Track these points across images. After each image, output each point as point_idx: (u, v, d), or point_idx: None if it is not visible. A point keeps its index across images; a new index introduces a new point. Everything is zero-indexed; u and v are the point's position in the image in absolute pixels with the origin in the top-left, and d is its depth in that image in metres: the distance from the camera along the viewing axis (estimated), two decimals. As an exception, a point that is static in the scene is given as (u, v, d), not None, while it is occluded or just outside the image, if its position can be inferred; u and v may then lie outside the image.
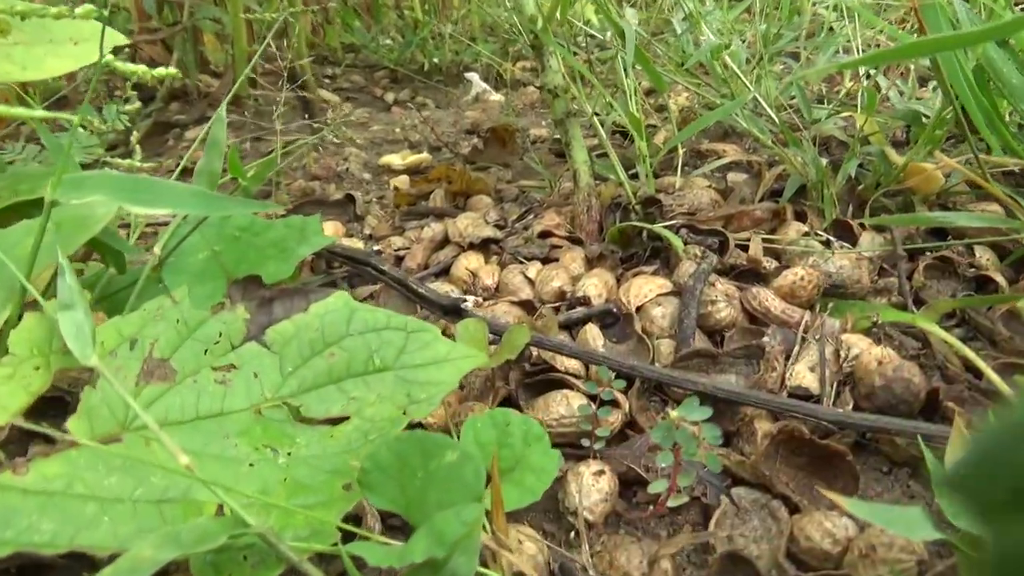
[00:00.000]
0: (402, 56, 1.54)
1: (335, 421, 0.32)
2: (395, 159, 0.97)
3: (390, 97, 1.50)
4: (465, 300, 0.51)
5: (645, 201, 0.64)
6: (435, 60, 1.55)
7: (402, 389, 0.34)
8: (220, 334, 0.33)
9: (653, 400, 0.46)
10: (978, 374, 0.47)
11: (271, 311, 0.34)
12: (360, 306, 0.35)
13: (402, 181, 0.91)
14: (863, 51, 0.89)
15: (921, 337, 0.51)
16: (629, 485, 0.42)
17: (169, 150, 1.15)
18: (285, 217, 0.56)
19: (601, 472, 0.39)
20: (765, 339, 0.47)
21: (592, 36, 0.85)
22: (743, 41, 0.91)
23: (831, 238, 0.59)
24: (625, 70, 0.69)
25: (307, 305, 0.34)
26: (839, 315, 0.51)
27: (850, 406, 0.43)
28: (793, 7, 1.02)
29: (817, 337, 0.48)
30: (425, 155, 0.95)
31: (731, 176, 0.78)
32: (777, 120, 0.69)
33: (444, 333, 0.40)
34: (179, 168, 0.77)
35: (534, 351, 0.49)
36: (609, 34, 0.75)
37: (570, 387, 0.46)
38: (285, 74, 0.98)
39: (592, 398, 0.44)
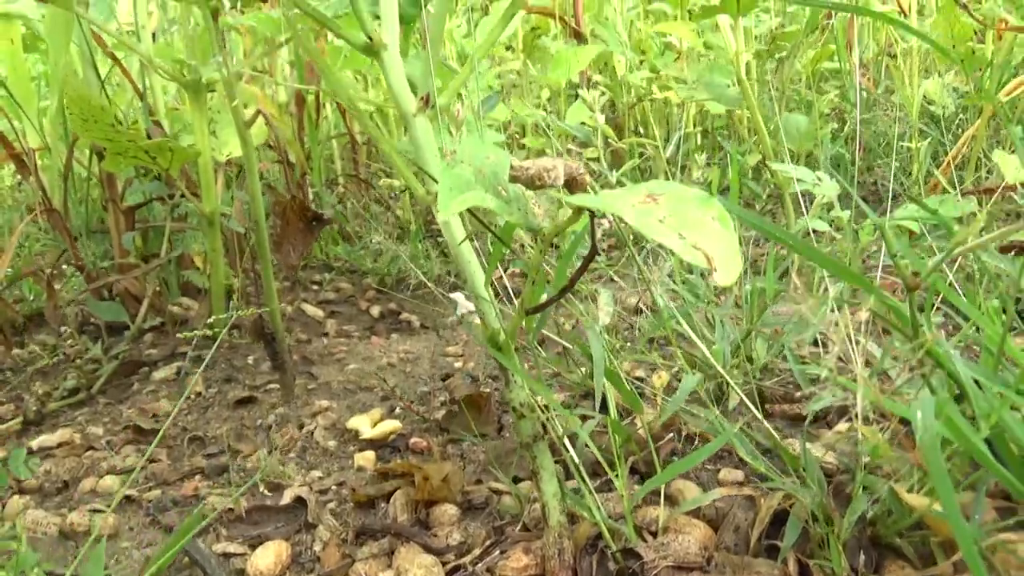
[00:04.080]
0: (390, 269, 1.52)
1: None
2: (364, 424, 0.90)
3: (375, 311, 1.47)
4: None
5: (624, 552, 0.56)
6: (423, 271, 1.53)
7: None
8: None
9: None
10: None
11: None
12: None
13: (367, 459, 0.83)
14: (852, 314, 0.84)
15: None
16: None
17: (133, 395, 1.09)
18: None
19: None
20: None
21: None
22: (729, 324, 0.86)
23: (844, 618, 0.50)
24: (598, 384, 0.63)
25: None
26: None
27: None
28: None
29: None
30: (396, 424, 0.88)
31: (724, 474, 0.70)
32: (768, 435, 0.62)
33: None
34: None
35: None
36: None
37: None
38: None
39: None
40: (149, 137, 1.24)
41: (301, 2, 0.63)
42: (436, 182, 0.68)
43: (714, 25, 1.57)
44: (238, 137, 0.99)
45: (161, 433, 0.58)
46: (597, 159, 1.04)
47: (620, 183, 1.01)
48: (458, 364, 1.08)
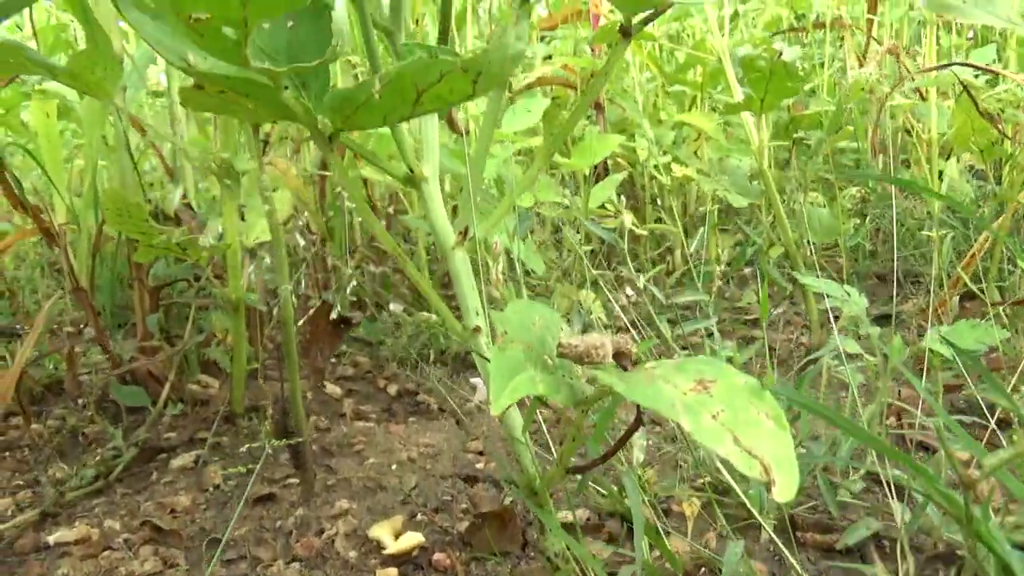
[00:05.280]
0: (409, 347, 1.52)
1: None
2: (386, 534, 0.89)
3: (393, 389, 1.46)
4: None
5: None
6: (442, 350, 1.53)
7: None
8: None
9: None
10: None
11: None
12: None
13: (389, 576, 0.82)
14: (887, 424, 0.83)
15: None
16: None
17: (151, 485, 1.08)
18: None
19: None
20: None
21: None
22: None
23: None
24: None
25: None
26: None
27: None
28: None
29: None
30: (418, 538, 0.87)
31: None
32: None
33: None
34: None
35: None
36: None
37: None
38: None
39: None
40: (178, 221, 1.26)
41: (349, 142, 0.64)
42: (473, 314, 0.68)
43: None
44: (268, 226, 1.00)
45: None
46: (623, 260, 1.04)
47: (647, 289, 1.01)
48: (480, 464, 1.07)
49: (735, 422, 0.42)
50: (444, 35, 0.60)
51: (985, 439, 0.82)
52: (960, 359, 0.79)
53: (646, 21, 0.66)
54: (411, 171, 0.67)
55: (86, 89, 0.96)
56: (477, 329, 0.66)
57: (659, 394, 0.43)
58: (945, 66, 1.08)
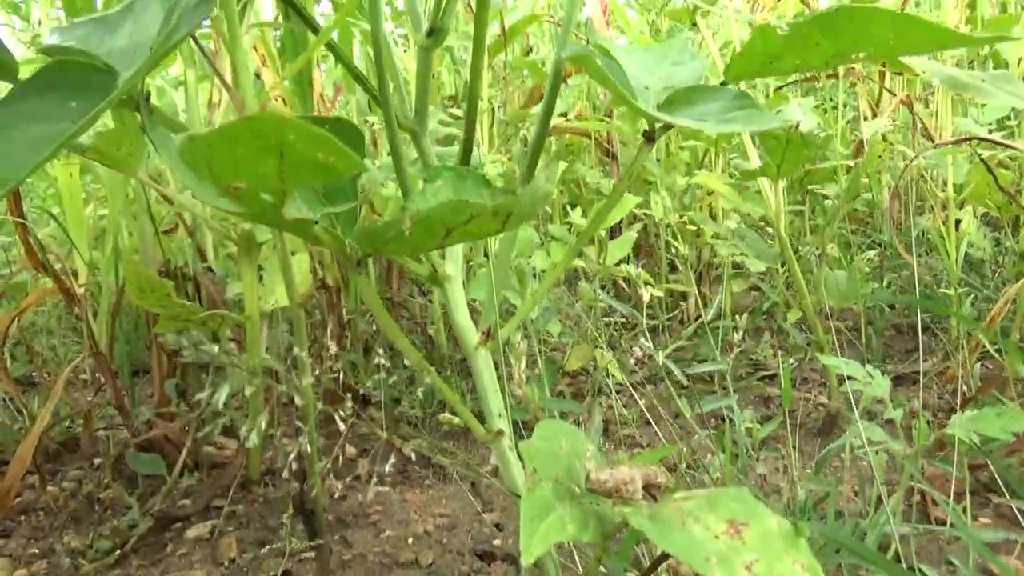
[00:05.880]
0: (425, 406, 1.52)
1: None
2: (402, 619, 0.87)
3: (407, 449, 1.45)
4: None
5: None
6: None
7: None
8: None
9: None
10: None
11: None
12: None
13: (407, 669, 0.81)
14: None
15: None
16: None
17: (165, 557, 1.08)
18: None
19: None
20: None
21: None
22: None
23: None
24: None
25: None
26: None
27: None
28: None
29: None
30: (435, 625, 0.85)
31: None
32: None
33: None
34: None
35: None
36: None
37: None
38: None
39: None
40: (198, 286, 1.27)
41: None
42: (496, 416, 0.67)
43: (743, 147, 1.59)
44: (287, 295, 1.01)
45: None
46: (643, 333, 1.04)
47: (666, 366, 1.00)
48: (497, 540, 1.06)
49: (769, 572, 0.41)
50: (467, 151, 0.60)
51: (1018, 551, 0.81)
52: (985, 449, 0.78)
53: (669, 126, 0.67)
54: (434, 269, 0.68)
55: (112, 165, 0.98)
56: (500, 432, 0.65)
57: (691, 543, 0.42)
58: (962, 140, 1.08)
